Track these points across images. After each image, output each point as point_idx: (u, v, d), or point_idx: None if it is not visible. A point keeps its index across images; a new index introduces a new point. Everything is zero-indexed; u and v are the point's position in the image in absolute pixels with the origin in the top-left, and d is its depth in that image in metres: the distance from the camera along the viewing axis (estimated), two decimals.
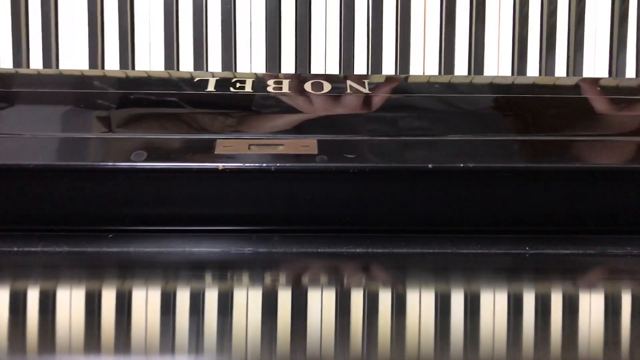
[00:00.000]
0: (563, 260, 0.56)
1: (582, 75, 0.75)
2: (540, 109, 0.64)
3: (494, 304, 0.49)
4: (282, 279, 0.53)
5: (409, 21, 0.74)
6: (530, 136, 0.59)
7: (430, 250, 0.56)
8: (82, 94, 0.63)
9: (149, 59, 0.75)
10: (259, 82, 0.66)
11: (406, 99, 0.65)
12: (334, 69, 0.75)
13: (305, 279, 0.53)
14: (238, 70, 0.75)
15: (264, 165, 0.54)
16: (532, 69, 0.75)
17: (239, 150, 0.55)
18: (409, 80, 0.70)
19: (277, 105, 0.63)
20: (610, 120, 0.63)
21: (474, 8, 0.74)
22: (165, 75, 0.71)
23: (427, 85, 0.68)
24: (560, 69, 0.75)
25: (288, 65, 0.75)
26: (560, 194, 0.56)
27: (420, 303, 0.49)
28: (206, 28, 0.75)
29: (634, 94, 0.66)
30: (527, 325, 0.46)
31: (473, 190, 0.56)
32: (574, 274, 0.56)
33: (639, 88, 0.69)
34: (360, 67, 0.75)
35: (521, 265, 0.56)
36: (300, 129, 0.59)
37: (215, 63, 0.75)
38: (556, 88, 0.69)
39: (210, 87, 0.65)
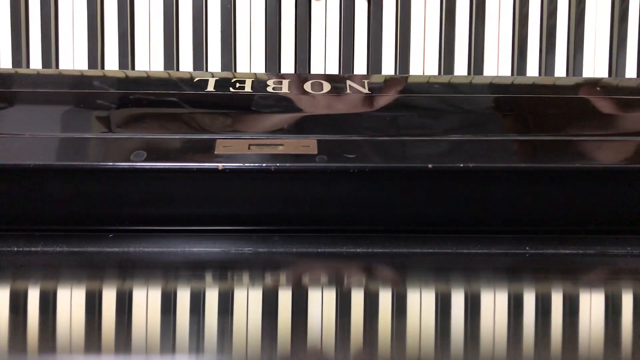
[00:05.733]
0: (563, 260, 0.56)
1: (582, 75, 0.75)
2: (540, 109, 0.64)
3: (494, 304, 0.49)
4: (283, 279, 0.53)
5: (409, 21, 0.74)
6: (530, 136, 0.59)
7: (430, 250, 0.56)
8: (82, 94, 0.63)
9: (149, 59, 0.75)
10: (259, 82, 0.66)
11: (406, 99, 0.65)
12: (333, 69, 0.75)
13: (305, 279, 0.53)
14: (238, 71, 0.75)
15: (264, 165, 0.54)
16: (532, 69, 0.75)
17: (239, 150, 0.55)
18: (409, 80, 0.70)
19: (277, 106, 0.63)
20: (610, 120, 0.63)
21: (474, 8, 0.74)
22: (165, 75, 0.71)
23: (426, 85, 0.68)
24: (560, 69, 0.75)
25: (288, 65, 0.75)
26: (561, 193, 0.56)
27: (421, 303, 0.49)
28: (206, 28, 0.75)
29: (634, 94, 0.66)
30: (527, 325, 0.46)
31: (473, 190, 0.56)
32: (574, 274, 0.56)
33: (639, 88, 0.69)
34: (360, 67, 0.75)
35: (521, 265, 0.56)
36: (300, 129, 0.59)
37: (215, 63, 0.75)
38: (556, 88, 0.69)
39: (210, 87, 0.65)
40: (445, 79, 0.71)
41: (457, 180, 0.56)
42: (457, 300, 0.49)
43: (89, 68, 0.74)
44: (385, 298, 0.50)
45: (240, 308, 0.47)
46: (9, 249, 0.55)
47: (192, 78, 0.67)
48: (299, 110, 0.62)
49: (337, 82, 0.66)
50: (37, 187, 0.55)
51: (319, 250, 0.56)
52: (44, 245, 0.55)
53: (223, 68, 0.74)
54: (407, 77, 0.72)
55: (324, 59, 0.75)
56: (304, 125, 0.60)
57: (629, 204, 0.57)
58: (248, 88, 0.65)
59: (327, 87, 0.65)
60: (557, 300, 0.50)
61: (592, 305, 0.50)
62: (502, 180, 0.56)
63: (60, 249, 0.55)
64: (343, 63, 0.74)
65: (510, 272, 0.56)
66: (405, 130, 0.60)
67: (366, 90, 0.64)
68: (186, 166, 0.54)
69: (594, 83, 0.69)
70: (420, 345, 0.42)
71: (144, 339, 0.43)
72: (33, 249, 0.55)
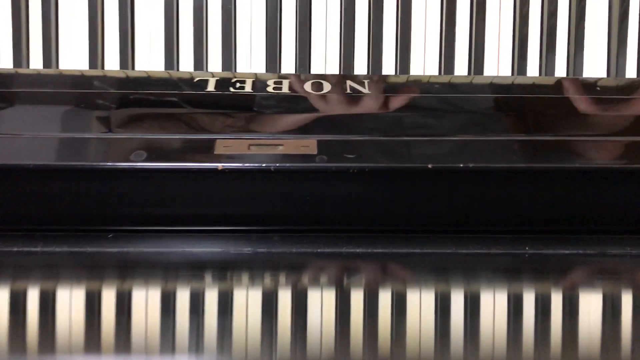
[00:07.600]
0: (563, 260, 0.56)
1: (582, 75, 0.75)
2: (541, 109, 0.64)
3: (494, 304, 0.49)
4: (282, 279, 0.53)
5: (409, 21, 0.74)
6: (530, 136, 0.59)
7: (430, 250, 0.56)
8: (82, 94, 0.63)
9: (149, 59, 0.75)
10: (259, 82, 0.66)
11: (406, 99, 0.65)
12: (334, 69, 0.75)
13: (305, 279, 0.53)
14: (238, 70, 0.75)
15: (264, 165, 0.54)
16: (532, 69, 0.75)
17: (238, 150, 0.55)
18: (409, 80, 0.70)
19: (277, 106, 0.63)
20: (610, 120, 0.63)
21: (474, 8, 0.74)
22: (165, 75, 0.71)
23: (427, 85, 0.68)
24: (561, 69, 0.75)
25: (288, 65, 0.75)
26: (560, 193, 0.56)
27: (420, 303, 0.49)
28: (206, 28, 0.75)
29: (634, 94, 0.66)
30: (527, 325, 0.46)
31: (473, 190, 0.56)
32: (574, 274, 0.56)
33: (639, 88, 0.69)
34: (360, 67, 0.75)
35: (521, 265, 0.55)
36: (300, 129, 0.59)
37: (215, 63, 0.75)
38: (556, 88, 0.69)
39: (210, 87, 0.65)
40: (445, 78, 0.71)
41: (457, 180, 0.56)
42: (457, 301, 0.49)
43: (89, 68, 0.74)
44: (385, 298, 0.50)
45: (239, 308, 0.47)
46: (9, 249, 0.55)
47: (192, 78, 0.67)
48: (299, 110, 0.62)
49: (337, 82, 0.66)
50: (37, 187, 0.55)
51: (319, 250, 0.56)
52: (44, 245, 0.55)
53: (223, 68, 0.74)
54: (407, 77, 0.72)
55: (325, 59, 0.75)
56: (304, 125, 0.60)
57: (629, 204, 0.56)
58: (248, 88, 0.65)
59: (327, 87, 0.65)
60: (556, 301, 0.50)
61: (591, 306, 0.50)
62: (502, 180, 0.56)
63: (60, 249, 0.55)
64: (343, 63, 0.74)
65: (510, 272, 0.55)
66: (405, 130, 0.60)
67: (366, 90, 0.64)
68: (186, 166, 0.54)
69: (594, 83, 0.69)
70: (420, 346, 0.42)
71: (143, 339, 0.43)
72: (33, 249, 0.55)
